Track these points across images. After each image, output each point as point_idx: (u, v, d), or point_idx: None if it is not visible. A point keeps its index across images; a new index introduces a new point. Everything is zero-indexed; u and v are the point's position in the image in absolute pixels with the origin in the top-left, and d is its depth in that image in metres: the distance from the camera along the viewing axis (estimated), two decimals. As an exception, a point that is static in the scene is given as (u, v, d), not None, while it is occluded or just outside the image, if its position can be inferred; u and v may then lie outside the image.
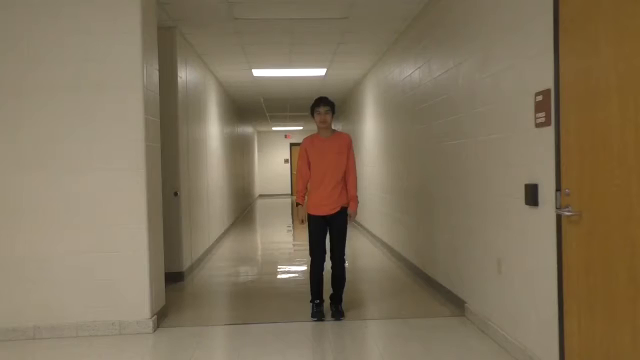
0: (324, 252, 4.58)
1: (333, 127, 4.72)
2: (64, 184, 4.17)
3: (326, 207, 4.52)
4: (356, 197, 4.61)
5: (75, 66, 4.17)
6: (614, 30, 2.47)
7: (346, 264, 4.65)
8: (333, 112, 4.60)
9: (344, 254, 4.61)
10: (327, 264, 4.58)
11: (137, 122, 4.22)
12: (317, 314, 4.50)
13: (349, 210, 4.58)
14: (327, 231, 4.60)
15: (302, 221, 4.69)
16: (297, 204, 4.71)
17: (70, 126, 4.18)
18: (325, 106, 4.56)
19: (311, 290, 4.61)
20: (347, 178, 4.58)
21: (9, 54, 4.15)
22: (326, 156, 4.54)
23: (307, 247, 4.63)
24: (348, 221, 4.61)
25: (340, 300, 4.62)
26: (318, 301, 4.58)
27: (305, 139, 4.70)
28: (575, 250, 2.80)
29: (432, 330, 4.22)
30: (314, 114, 4.60)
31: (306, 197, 4.66)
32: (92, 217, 4.19)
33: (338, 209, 4.53)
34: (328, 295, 4.66)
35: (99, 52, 4.18)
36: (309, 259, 4.62)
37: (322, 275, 4.57)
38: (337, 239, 4.57)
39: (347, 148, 4.58)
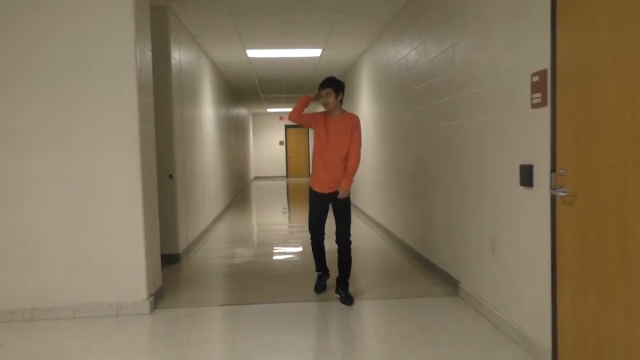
0: (322, 231, 4.65)
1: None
2: (58, 167, 4.16)
3: (326, 186, 4.53)
4: (351, 175, 4.50)
5: (68, 50, 4.12)
6: (611, 11, 2.45)
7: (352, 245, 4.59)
8: (337, 92, 4.46)
9: (349, 235, 4.54)
10: (332, 244, 4.57)
11: (131, 104, 4.18)
12: (317, 287, 4.70)
13: (339, 188, 4.46)
14: (328, 209, 4.61)
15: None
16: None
17: (64, 109, 4.14)
18: (326, 88, 4.45)
19: (315, 261, 4.77)
20: (349, 157, 4.49)
21: (3, 40, 4.09)
22: (330, 136, 4.49)
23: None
24: (342, 195, 4.48)
25: (347, 284, 4.55)
26: (320, 273, 4.74)
27: (323, 111, 4.59)
28: (569, 231, 2.83)
29: (426, 309, 4.26)
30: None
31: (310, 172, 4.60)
32: (87, 199, 4.19)
33: (338, 187, 4.51)
34: (334, 274, 4.69)
35: (91, 35, 4.13)
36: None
37: (323, 245, 4.72)
38: (341, 218, 4.52)
39: (351, 129, 4.48)
